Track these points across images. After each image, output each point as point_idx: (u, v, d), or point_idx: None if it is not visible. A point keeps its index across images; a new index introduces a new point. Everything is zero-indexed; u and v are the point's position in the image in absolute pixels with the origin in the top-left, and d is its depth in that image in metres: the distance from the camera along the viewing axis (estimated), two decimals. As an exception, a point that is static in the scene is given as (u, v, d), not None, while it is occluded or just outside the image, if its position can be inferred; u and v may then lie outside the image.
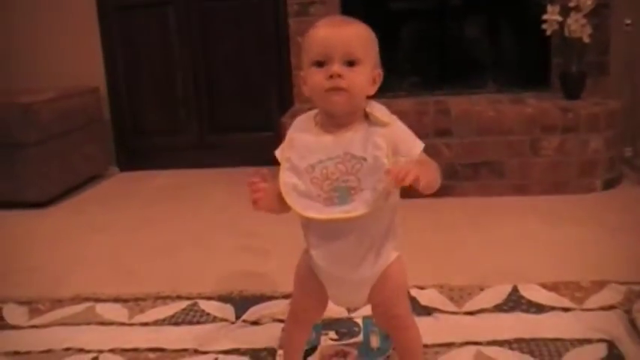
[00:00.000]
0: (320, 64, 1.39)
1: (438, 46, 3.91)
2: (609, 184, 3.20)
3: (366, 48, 1.41)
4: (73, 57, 4.13)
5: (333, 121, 1.44)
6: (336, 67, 1.37)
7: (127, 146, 4.25)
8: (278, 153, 1.49)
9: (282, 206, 1.46)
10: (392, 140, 1.40)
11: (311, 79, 1.41)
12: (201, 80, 4.11)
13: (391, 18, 3.85)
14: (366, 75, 1.41)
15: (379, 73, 1.45)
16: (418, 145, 1.43)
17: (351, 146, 1.41)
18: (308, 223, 1.47)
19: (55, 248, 2.89)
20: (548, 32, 3.29)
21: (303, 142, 1.45)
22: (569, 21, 3.22)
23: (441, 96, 3.59)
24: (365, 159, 1.39)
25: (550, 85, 3.54)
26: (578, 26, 3.21)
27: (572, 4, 3.22)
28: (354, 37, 1.40)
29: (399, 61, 3.87)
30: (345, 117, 1.43)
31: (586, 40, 3.22)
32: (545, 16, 3.27)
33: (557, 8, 3.25)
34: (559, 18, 3.24)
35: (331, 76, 1.37)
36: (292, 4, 3.64)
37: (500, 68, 3.78)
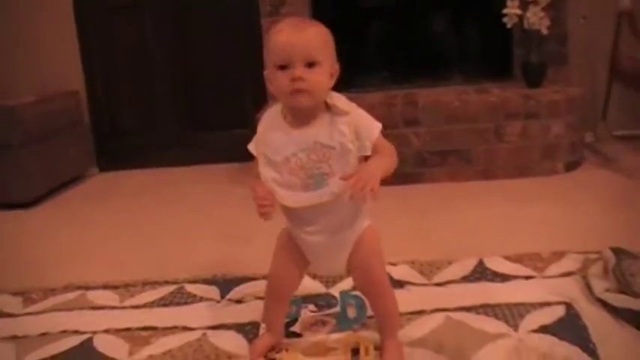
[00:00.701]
0: (283, 67, 1.53)
1: (406, 41, 4.05)
2: (571, 167, 3.36)
3: (324, 49, 1.56)
4: (52, 61, 4.21)
5: (299, 115, 1.59)
6: (298, 71, 1.51)
7: (106, 147, 4.34)
8: (252, 147, 1.65)
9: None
10: (354, 126, 1.57)
11: (276, 82, 1.55)
12: (177, 79, 4.22)
13: (360, 16, 3.99)
14: (325, 73, 1.56)
15: (336, 68, 1.60)
16: (376, 128, 1.59)
17: (319, 136, 1.57)
18: (290, 209, 1.63)
19: (43, 244, 2.99)
20: (509, 25, 3.44)
21: (274, 138, 1.61)
22: (528, 14, 3.37)
23: (409, 89, 3.74)
24: (333, 147, 1.56)
25: (513, 75, 3.70)
26: (536, 19, 3.36)
27: (530, -2, 3.38)
28: (312, 40, 1.54)
29: (368, 57, 4.02)
30: (309, 111, 1.58)
31: (544, 31, 3.38)
32: (505, 10, 3.42)
33: (516, 2, 3.40)
34: (518, 11, 3.39)
35: (293, 79, 1.51)
36: (265, 4, 3.75)
37: (465, 61, 3.95)
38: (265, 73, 1.61)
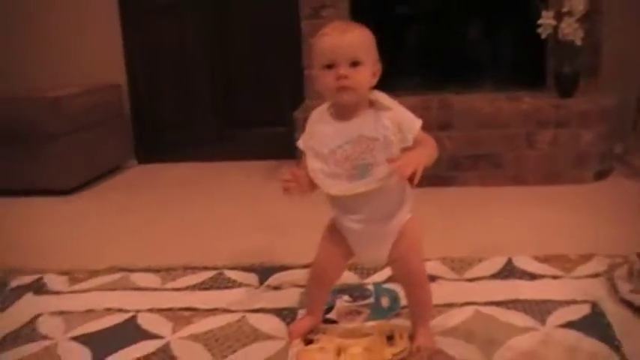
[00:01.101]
0: (329, 66, 1.65)
1: (441, 48, 4.12)
2: (600, 176, 3.42)
3: (367, 50, 1.68)
4: (96, 55, 4.34)
5: (345, 111, 1.70)
6: (343, 70, 1.64)
7: (145, 140, 4.46)
8: (300, 144, 1.79)
9: (313, 187, 1.74)
10: (396, 121, 1.68)
11: (322, 80, 1.68)
12: (217, 78, 4.32)
13: (397, 21, 4.07)
14: (368, 72, 1.68)
15: (378, 67, 1.71)
16: (417, 123, 1.69)
17: (363, 129, 1.68)
18: (334, 198, 1.74)
19: (85, 229, 3.11)
20: (543, 35, 3.50)
21: (321, 131, 1.73)
22: (563, 25, 3.42)
23: (443, 94, 3.81)
24: (377, 139, 1.67)
25: (545, 85, 3.75)
26: (570, 30, 3.42)
27: (565, 10, 3.43)
28: (355, 42, 1.66)
29: (404, 61, 4.10)
30: (354, 107, 1.70)
31: (578, 42, 3.43)
32: (540, 21, 3.48)
33: (551, 13, 3.46)
34: (553, 22, 3.45)
35: (339, 78, 1.64)
36: (305, 7, 3.84)
37: (499, 69, 4.00)
38: (312, 72, 1.74)
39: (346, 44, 1.65)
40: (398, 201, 1.76)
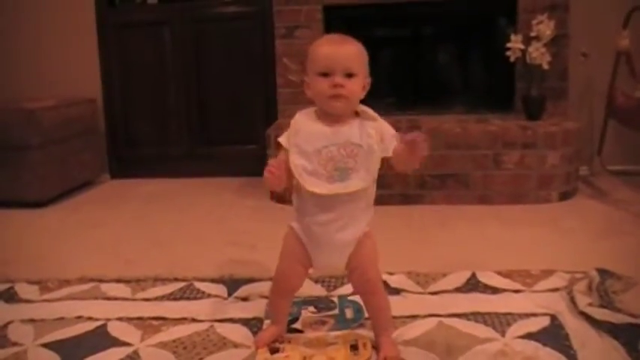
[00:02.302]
0: (324, 74, 1.74)
1: (412, 70, 4.22)
2: (565, 196, 3.49)
3: (360, 63, 1.78)
4: (72, 70, 4.39)
5: (332, 118, 1.79)
6: (338, 79, 1.73)
7: (119, 155, 4.49)
8: (283, 140, 1.82)
9: (288, 181, 1.80)
10: (379, 131, 1.78)
11: (316, 87, 1.76)
12: (192, 95, 4.36)
13: (370, 44, 4.12)
14: (360, 84, 1.78)
15: (368, 81, 1.82)
16: (396, 136, 1.78)
17: (350, 135, 1.77)
18: (310, 196, 1.79)
19: (58, 241, 3.12)
20: (512, 59, 3.59)
21: (309, 131, 1.79)
22: (531, 49, 3.52)
23: (413, 115, 3.89)
24: (361, 146, 1.76)
25: (513, 107, 3.84)
26: (538, 54, 3.51)
27: (533, 34, 3.53)
28: (351, 54, 1.77)
29: (376, 83, 4.15)
30: (342, 115, 1.78)
31: (545, 66, 3.53)
32: (509, 44, 3.57)
33: (520, 37, 3.55)
34: (521, 46, 3.54)
35: (334, 86, 1.72)
36: (280, 27, 3.91)
37: (469, 92, 4.10)
38: (305, 80, 1.82)
39: (343, 55, 1.75)
40: (364, 209, 1.83)
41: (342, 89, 1.73)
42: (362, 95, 1.80)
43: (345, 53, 1.75)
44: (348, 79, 1.74)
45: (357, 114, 1.81)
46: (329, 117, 1.79)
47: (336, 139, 1.77)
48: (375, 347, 1.86)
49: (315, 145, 1.77)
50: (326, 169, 1.76)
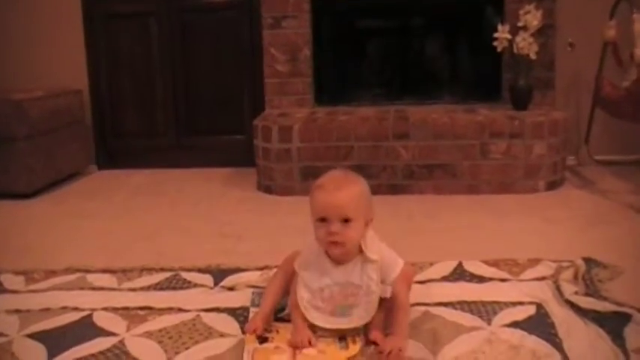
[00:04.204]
0: (322, 219, 1.79)
1: (401, 61, 4.22)
2: (551, 186, 3.51)
3: (358, 206, 1.80)
4: (59, 61, 4.35)
5: (336, 258, 1.87)
6: (334, 227, 1.77)
7: (106, 146, 4.47)
8: (296, 266, 1.91)
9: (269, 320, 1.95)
10: (380, 271, 1.86)
11: (316, 232, 1.82)
12: (179, 86, 4.35)
13: (358, 34, 4.15)
14: (359, 227, 1.81)
15: (371, 216, 1.86)
16: (399, 266, 1.90)
17: (351, 276, 1.86)
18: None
19: (44, 232, 3.11)
20: (499, 49, 3.61)
21: (315, 268, 1.88)
22: (518, 39, 3.53)
23: (401, 105, 3.90)
24: (361, 286, 1.85)
25: (501, 97, 3.86)
26: (525, 44, 3.52)
27: (520, 24, 3.53)
28: (347, 200, 1.78)
29: (364, 73, 4.18)
30: (344, 256, 1.86)
31: (533, 56, 3.54)
32: (496, 34, 3.58)
33: (507, 27, 3.57)
34: (509, 36, 3.55)
35: (330, 234, 1.78)
36: (267, 17, 3.91)
37: (456, 82, 4.11)
38: (312, 220, 1.85)
39: (338, 203, 1.77)
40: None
41: (337, 236, 1.78)
42: (365, 232, 1.85)
43: (341, 200, 1.77)
44: (344, 226, 1.77)
45: (361, 250, 1.86)
46: (333, 257, 1.87)
47: (338, 279, 1.86)
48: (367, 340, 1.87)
49: (318, 284, 1.87)
50: (329, 305, 1.86)
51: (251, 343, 1.86)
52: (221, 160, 4.24)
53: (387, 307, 1.89)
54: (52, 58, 4.35)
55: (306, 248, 1.93)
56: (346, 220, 1.77)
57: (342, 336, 1.87)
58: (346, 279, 1.85)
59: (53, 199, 3.73)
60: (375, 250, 1.88)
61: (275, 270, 2.12)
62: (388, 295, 1.85)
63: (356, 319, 1.86)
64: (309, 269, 1.89)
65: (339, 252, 1.83)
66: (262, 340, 1.88)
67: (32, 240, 2.99)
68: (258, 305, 2.05)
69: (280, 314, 2.02)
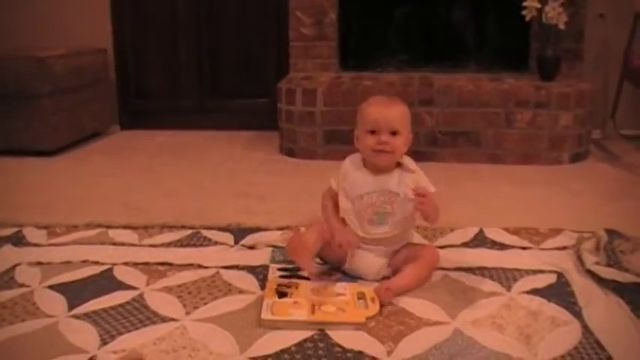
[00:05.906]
0: (372, 132, 1.97)
1: (427, 27, 4.18)
2: (576, 158, 3.48)
3: (404, 123, 2.00)
4: (83, 19, 4.34)
5: (377, 168, 2.02)
6: (384, 137, 1.95)
7: (129, 106, 4.48)
8: (333, 183, 2.09)
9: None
10: (416, 182, 2.00)
11: (365, 142, 1.99)
12: (203, 47, 4.34)
13: (385, 1, 4.12)
14: (403, 140, 1.99)
15: (410, 138, 2.04)
16: (432, 188, 2.03)
17: (389, 184, 2.01)
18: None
19: (67, 189, 3.13)
20: (527, 18, 3.55)
21: (354, 178, 2.03)
22: (547, 8, 3.47)
23: (426, 73, 3.87)
24: (398, 194, 1.99)
25: (528, 68, 3.82)
26: (554, 14, 3.47)
27: (550, -7, 3.49)
28: (396, 115, 1.99)
29: (390, 39, 4.15)
30: (388, 164, 2.01)
31: (561, 26, 3.49)
32: (525, 3, 3.53)
33: (536, -4, 3.52)
34: (537, 5, 3.50)
35: (380, 143, 1.95)
36: (292, -18, 3.89)
37: (483, 51, 4.06)
38: (355, 133, 2.04)
39: (389, 116, 1.97)
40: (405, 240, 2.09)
41: (386, 146, 1.95)
42: (405, 149, 2.01)
43: (391, 115, 1.98)
44: (392, 137, 1.96)
45: (398, 164, 2.02)
46: (373, 166, 2.02)
47: (377, 187, 2.00)
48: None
49: (358, 191, 2.01)
50: (367, 212, 2.00)
51: (270, 298, 1.86)
52: (244, 122, 4.25)
53: (410, 256, 2.01)
54: (77, 17, 4.35)
55: (342, 167, 2.07)
56: (394, 133, 1.95)
57: (361, 295, 1.87)
58: (384, 186, 1.99)
59: (76, 157, 3.75)
60: (413, 165, 2.04)
61: (294, 229, 2.28)
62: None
63: (392, 228, 2.00)
64: (349, 180, 2.03)
65: (387, 159, 1.98)
66: (281, 294, 1.88)
67: (54, 196, 3.00)
68: (277, 262, 2.11)
69: (298, 272, 2.03)
